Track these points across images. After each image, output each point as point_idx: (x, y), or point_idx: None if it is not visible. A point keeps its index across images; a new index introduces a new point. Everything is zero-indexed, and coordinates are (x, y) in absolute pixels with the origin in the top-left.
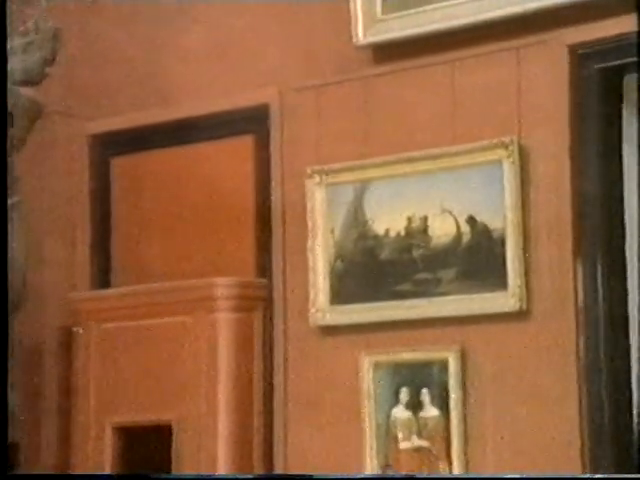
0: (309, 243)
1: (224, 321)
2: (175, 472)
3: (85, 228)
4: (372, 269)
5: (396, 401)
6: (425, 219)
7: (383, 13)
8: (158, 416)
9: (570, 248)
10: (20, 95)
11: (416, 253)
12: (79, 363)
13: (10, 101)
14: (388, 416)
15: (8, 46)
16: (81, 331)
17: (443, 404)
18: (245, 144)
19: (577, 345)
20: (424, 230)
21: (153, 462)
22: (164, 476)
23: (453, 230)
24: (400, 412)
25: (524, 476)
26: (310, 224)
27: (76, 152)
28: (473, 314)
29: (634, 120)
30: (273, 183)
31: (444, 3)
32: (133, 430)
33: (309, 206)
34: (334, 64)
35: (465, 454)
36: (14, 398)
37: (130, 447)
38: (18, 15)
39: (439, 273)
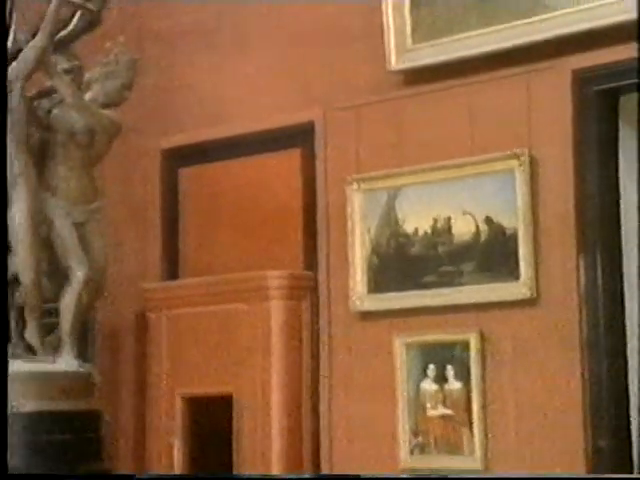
0: (349, 241)
1: (276, 308)
2: (236, 436)
3: (156, 228)
4: (403, 263)
5: (424, 376)
6: (448, 220)
7: (412, 44)
8: (220, 388)
9: (574, 244)
10: (102, 116)
11: (441, 249)
12: (152, 343)
13: (92, 120)
14: (418, 389)
15: (93, 75)
16: (153, 316)
17: (465, 378)
18: (294, 156)
19: (579, 326)
20: (448, 229)
21: (216, 427)
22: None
23: (473, 229)
24: (428, 385)
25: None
26: (350, 224)
27: (149, 164)
28: (490, 301)
29: (630, 134)
30: (318, 190)
31: (464, 35)
32: (199, 400)
33: (349, 209)
34: (370, 87)
35: (484, 420)
36: (96, 373)
37: (196, 414)
38: (101, 49)
39: (461, 266)
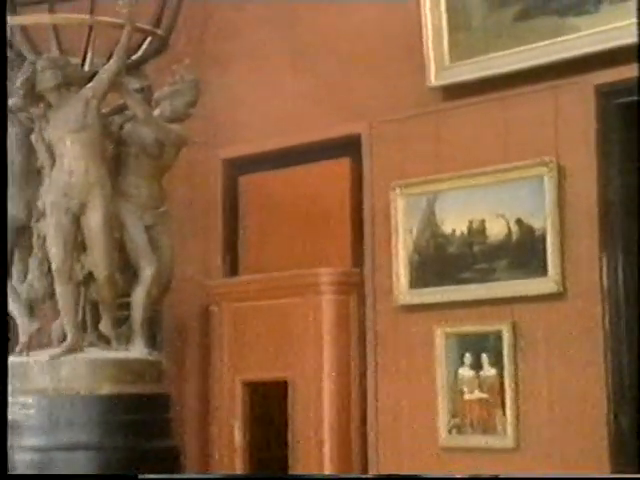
0: (392, 241)
1: (327, 302)
2: (290, 417)
3: (218, 230)
4: (441, 261)
5: (461, 363)
6: (483, 221)
7: (450, 62)
8: (276, 375)
9: (597, 243)
10: (170, 130)
11: (476, 248)
12: (214, 334)
13: (161, 134)
14: (455, 375)
15: (161, 94)
16: (216, 309)
17: (498, 365)
18: (343, 165)
19: (602, 319)
20: (482, 230)
21: (272, 409)
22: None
23: (505, 230)
24: (465, 372)
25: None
26: (393, 226)
27: (211, 172)
28: (521, 295)
29: None
30: (365, 195)
31: (497, 54)
32: (257, 385)
33: (392, 212)
34: (412, 102)
35: (515, 403)
36: (164, 361)
37: (255, 398)
38: (168, 70)
39: (494, 263)
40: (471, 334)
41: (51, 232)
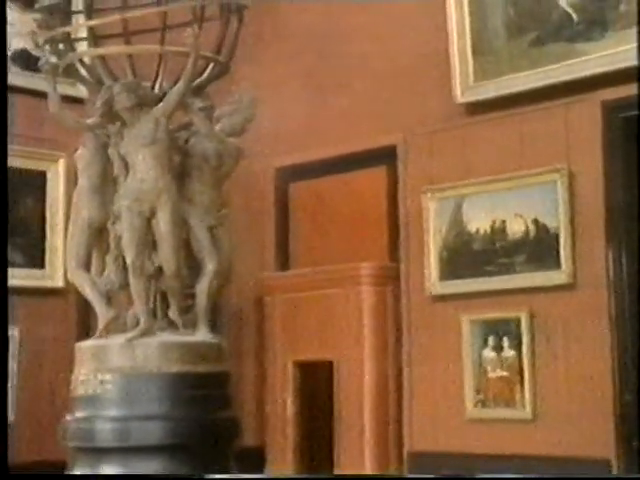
0: (424, 239)
1: (366, 293)
2: (336, 394)
3: (271, 231)
4: (467, 256)
5: (485, 346)
6: (504, 221)
7: (474, 82)
8: (323, 355)
9: (603, 240)
10: (229, 143)
11: (498, 244)
12: (268, 320)
13: (221, 147)
14: (480, 356)
15: (221, 112)
16: (269, 299)
17: (517, 347)
18: (380, 172)
19: (609, 307)
20: (503, 229)
21: (320, 386)
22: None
23: (523, 228)
24: (488, 353)
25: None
26: (425, 226)
27: (265, 180)
28: (537, 286)
29: None
30: (400, 198)
31: (515, 75)
32: (307, 364)
33: (424, 214)
34: (441, 116)
35: (533, 380)
36: (225, 343)
37: (304, 376)
38: (228, 91)
39: (514, 258)
40: (493, 320)
41: (126, 232)
